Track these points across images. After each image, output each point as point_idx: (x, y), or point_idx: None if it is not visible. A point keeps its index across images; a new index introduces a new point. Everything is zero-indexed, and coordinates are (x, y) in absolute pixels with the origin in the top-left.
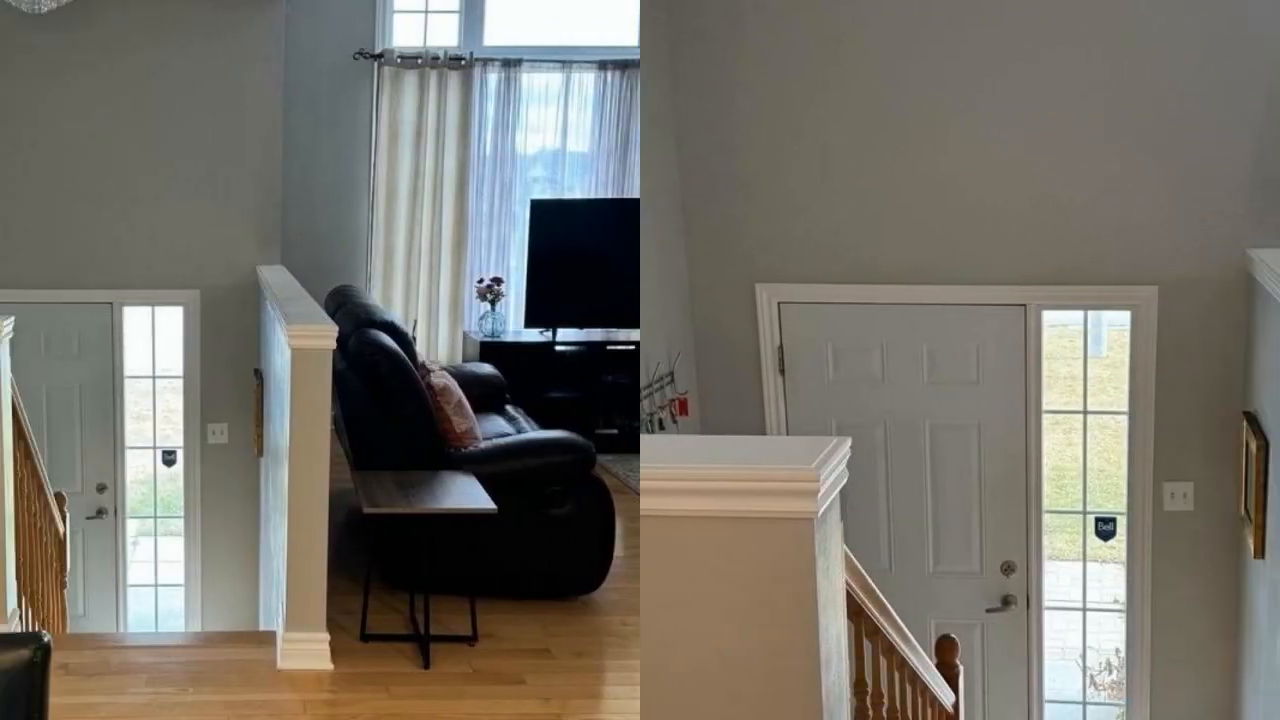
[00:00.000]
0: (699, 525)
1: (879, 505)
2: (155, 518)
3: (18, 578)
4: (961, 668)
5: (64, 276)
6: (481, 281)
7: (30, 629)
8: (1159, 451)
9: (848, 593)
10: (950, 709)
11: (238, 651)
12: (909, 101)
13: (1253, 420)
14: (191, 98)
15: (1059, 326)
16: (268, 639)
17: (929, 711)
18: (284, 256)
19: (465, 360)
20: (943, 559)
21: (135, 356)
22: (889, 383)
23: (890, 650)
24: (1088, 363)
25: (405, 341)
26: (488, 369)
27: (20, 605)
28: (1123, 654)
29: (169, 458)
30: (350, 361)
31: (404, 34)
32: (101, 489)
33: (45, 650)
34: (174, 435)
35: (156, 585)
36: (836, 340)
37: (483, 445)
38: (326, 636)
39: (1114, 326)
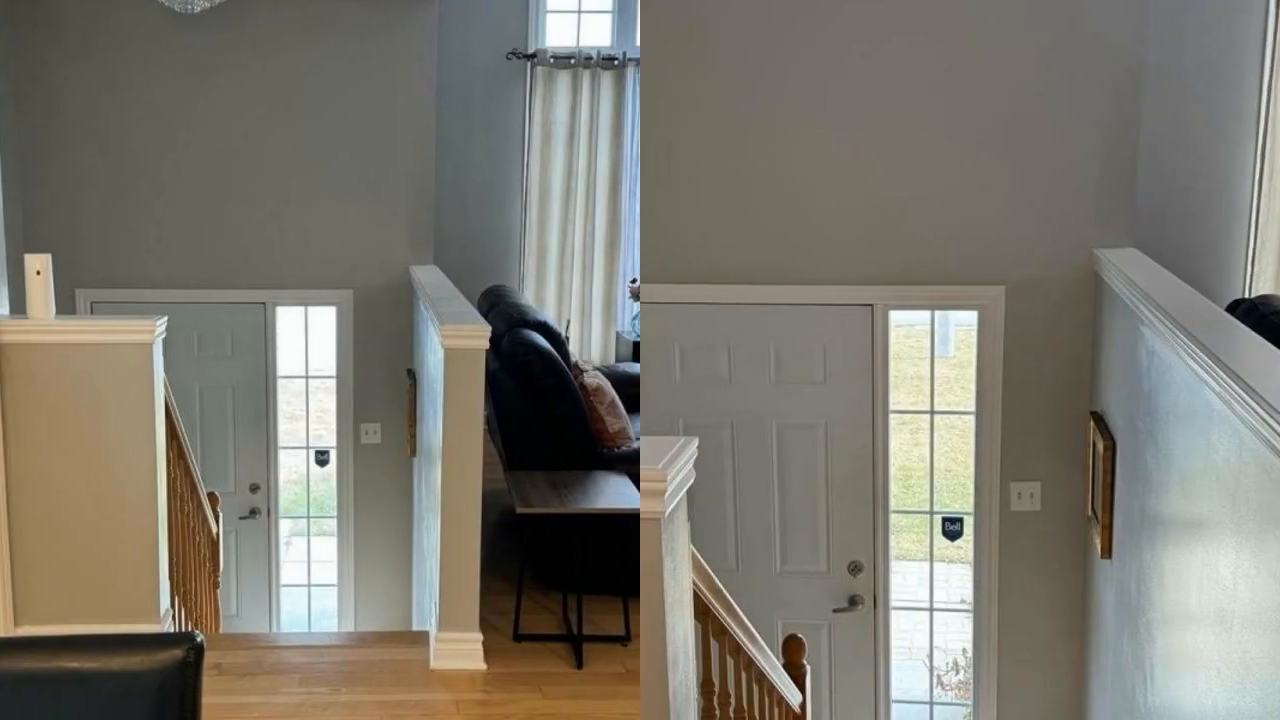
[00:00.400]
0: None
1: (726, 505)
2: (308, 518)
3: (171, 578)
4: (809, 668)
5: (217, 277)
6: (634, 281)
7: (183, 629)
8: (1006, 451)
9: (695, 592)
10: (797, 709)
11: (391, 651)
12: (752, 103)
13: (1099, 420)
14: (344, 98)
15: (906, 326)
16: (421, 639)
17: (776, 711)
18: (437, 256)
19: (618, 360)
20: (790, 559)
21: (288, 356)
22: (736, 383)
23: (737, 650)
24: (935, 363)
25: (558, 341)
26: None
27: (174, 605)
28: (969, 654)
29: (322, 458)
30: (503, 362)
31: (557, 34)
32: (254, 489)
33: (198, 650)
34: (327, 435)
35: (309, 585)
36: (683, 340)
37: (636, 445)
38: (479, 636)
39: (961, 326)
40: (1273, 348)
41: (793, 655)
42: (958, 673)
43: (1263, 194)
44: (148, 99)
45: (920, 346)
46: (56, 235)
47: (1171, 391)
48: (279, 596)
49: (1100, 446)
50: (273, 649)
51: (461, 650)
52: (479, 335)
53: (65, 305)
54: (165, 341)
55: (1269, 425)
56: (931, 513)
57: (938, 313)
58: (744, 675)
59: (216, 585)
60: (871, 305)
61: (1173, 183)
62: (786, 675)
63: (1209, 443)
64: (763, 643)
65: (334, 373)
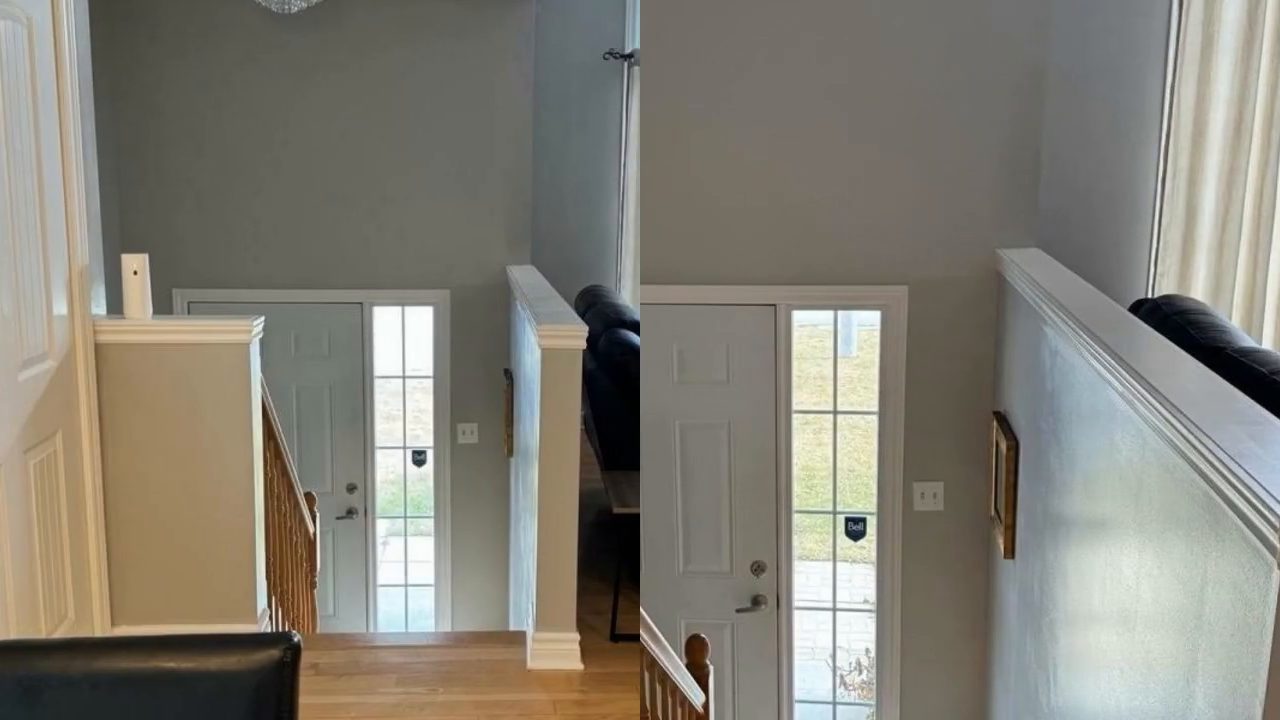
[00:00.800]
0: None
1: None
2: (405, 518)
3: (268, 578)
4: (711, 668)
5: (314, 276)
6: None
7: (281, 629)
8: (909, 451)
9: None
10: (700, 709)
11: (487, 651)
12: (654, 103)
13: (1002, 420)
14: (442, 97)
15: (809, 326)
16: (518, 639)
17: (679, 711)
18: (534, 256)
19: None
20: (693, 559)
21: (385, 356)
22: (639, 383)
23: (640, 650)
24: (838, 363)
25: None
26: None
27: (271, 605)
28: (873, 654)
29: (419, 458)
30: (600, 361)
31: None
32: (351, 489)
33: (295, 650)
34: (424, 435)
35: (406, 585)
36: None
37: None
38: (576, 636)
39: (864, 326)
40: (1175, 348)
41: (696, 655)
42: (861, 673)
43: (1166, 194)
44: (245, 98)
45: (823, 346)
46: (153, 235)
47: (1074, 391)
48: (376, 596)
49: (1003, 446)
50: (370, 649)
51: (558, 650)
52: (576, 335)
53: (162, 305)
54: (262, 341)
55: (1171, 425)
56: (834, 513)
57: (840, 313)
58: (647, 675)
59: (313, 585)
60: (774, 305)
61: (1075, 183)
62: (689, 675)
63: (1112, 443)
64: (666, 643)
65: (431, 373)
